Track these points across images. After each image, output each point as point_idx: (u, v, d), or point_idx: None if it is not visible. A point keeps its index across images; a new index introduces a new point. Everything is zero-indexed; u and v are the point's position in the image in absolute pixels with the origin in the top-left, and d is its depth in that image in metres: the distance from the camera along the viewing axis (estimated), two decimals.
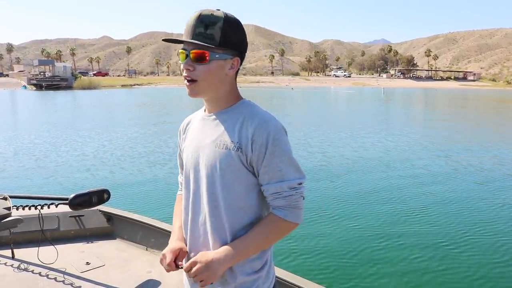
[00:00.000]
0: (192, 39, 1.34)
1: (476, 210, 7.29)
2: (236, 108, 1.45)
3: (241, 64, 1.45)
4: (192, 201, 1.48)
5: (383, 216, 6.90)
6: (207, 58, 1.35)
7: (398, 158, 11.82)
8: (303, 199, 1.43)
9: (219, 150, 1.40)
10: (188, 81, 1.39)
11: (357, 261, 5.28)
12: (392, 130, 18.31)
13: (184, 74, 1.39)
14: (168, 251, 1.46)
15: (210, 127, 1.46)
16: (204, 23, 1.33)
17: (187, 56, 1.36)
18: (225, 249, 1.38)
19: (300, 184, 1.40)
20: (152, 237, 3.21)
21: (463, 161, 11.43)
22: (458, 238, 6.07)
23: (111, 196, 2.89)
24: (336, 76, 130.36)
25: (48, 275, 2.73)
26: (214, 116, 1.46)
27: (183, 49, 1.37)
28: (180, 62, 1.41)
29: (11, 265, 2.85)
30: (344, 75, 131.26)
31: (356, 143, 14.41)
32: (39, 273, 2.74)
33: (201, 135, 1.47)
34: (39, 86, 70.13)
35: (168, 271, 1.46)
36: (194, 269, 1.35)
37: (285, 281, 2.33)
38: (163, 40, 1.47)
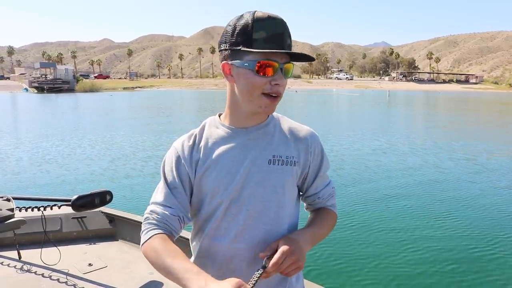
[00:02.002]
0: (287, 49, 1.20)
1: (505, 214, 7.04)
2: (270, 122, 1.34)
3: None
4: (238, 230, 1.28)
5: (404, 220, 6.76)
6: (292, 70, 1.27)
7: (417, 162, 11.39)
8: None
9: (274, 167, 1.28)
10: (274, 97, 1.23)
11: (373, 266, 5.12)
12: (408, 134, 17.88)
13: (271, 89, 1.21)
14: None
15: (253, 142, 1.30)
16: (289, 34, 1.23)
17: (279, 70, 1.20)
18: (306, 231, 1.32)
19: None
20: None
21: (488, 164, 11.13)
22: (485, 243, 5.85)
23: (113, 198, 2.87)
24: (338, 79, 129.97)
25: (51, 276, 2.74)
26: (253, 132, 1.31)
27: (274, 61, 1.19)
28: (255, 74, 1.19)
29: (15, 266, 2.86)
30: (346, 77, 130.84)
31: (372, 146, 13.98)
32: (42, 274, 2.76)
33: (242, 153, 1.29)
34: (40, 89, 69.61)
35: None
36: (289, 258, 1.16)
37: None
38: (287, 52, 1.21)
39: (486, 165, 11.27)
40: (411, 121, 26.07)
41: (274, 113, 1.35)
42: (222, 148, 1.30)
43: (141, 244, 1.27)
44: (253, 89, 1.21)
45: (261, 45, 1.17)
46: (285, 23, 1.21)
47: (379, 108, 37.74)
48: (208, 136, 1.33)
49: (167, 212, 1.27)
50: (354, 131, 18.57)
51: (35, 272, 2.78)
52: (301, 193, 1.44)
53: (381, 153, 12.94)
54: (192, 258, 1.38)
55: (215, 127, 1.35)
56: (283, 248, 1.16)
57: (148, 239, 1.25)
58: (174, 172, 1.31)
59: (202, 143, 1.33)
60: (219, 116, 1.38)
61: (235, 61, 1.22)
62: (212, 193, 1.28)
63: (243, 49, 1.19)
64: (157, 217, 1.27)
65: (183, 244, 2.99)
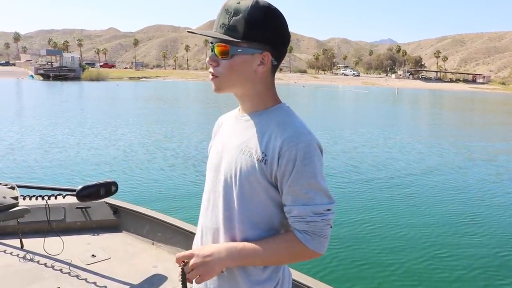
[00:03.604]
0: (215, 31, 1.23)
1: None
2: (271, 112, 1.29)
3: (280, 60, 1.29)
4: (207, 204, 1.36)
5: (413, 222, 6.61)
6: (229, 52, 1.22)
7: (437, 162, 11.03)
8: (330, 227, 1.23)
9: (242, 156, 1.26)
10: (212, 76, 1.27)
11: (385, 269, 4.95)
12: (426, 133, 17.47)
13: (210, 69, 1.28)
14: None
15: (240, 128, 1.32)
16: (229, 13, 1.20)
17: (211, 50, 1.25)
18: (229, 245, 1.25)
19: (328, 210, 1.22)
20: (158, 231, 3.16)
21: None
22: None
23: (118, 189, 2.80)
24: (345, 75, 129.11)
25: (53, 266, 2.71)
26: (246, 117, 1.32)
27: (211, 42, 1.26)
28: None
29: (17, 255, 2.83)
30: (353, 74, 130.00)
31: (390, 147, 13.61)
32: (45, 264, 2.73)
33: (229, 136, 1.35)
34: (46, 76, 69.15)
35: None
36: (190, 262, 1.24)
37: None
38: (188, 31, 1.29)
39: (508, 166, 10.96)
40: (426, 120, 25.66)
41: (285, 104, 1.32)
42: (223, 130, 1.40)
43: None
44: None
45: None
46: (227, 4, 1.21)
47: (391, 106, 37.34)
48: (226, 119, 1.45)
49: None
50: (370, 128, 18.19)
51: (37, 262, 2.75)
52: None
53: (399, 153, 12.62)
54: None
55: (233, 112, 1.43)
56: (187, 252, 1.27)
57: None
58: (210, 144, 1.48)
59: (221, 125, 1.45)
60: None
61: None
62: (207, 172, 1.40)
63: None
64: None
65: (187, 236, 2.91)
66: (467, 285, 4.75)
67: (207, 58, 1.26)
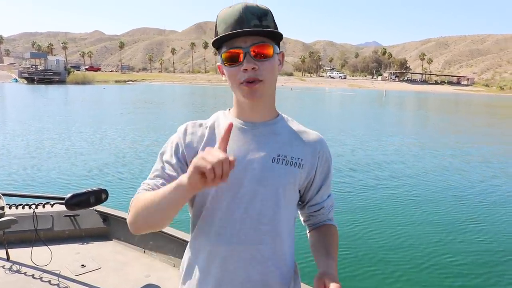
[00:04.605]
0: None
1: None
2: (281, 121, 1.30)
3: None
4: (232, 223, 1.21)
5: (414, 224, 6.56)
6: (272, 50, 1.18)
7: (434, 165, 10.99)
8: None
9: (276, 165, 1.22)
10: (251, 82, 1.16)
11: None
12: (420, 136, 17.47)
13: (245, 77, 1.16)
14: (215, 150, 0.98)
15: (258, 139, 1.24)
16: (256, 15, 1.15)
17: (245, 55, 1.14)
18: (333, 263, 1.24)
19: None
20: (150, 239, 3.05)
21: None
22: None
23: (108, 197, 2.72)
24: (331, 77, 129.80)
25: (41, 277, 2.61)
26: (260, 128, 1.25)
27: (235, 48, 1.15)
28: (227, 67, 1.20)
29: (3, 266, 2.71)
30: (340, 76, 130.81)
31: (385, 148, 13.56)
32: (32, 275, 2.62)
33: (245, 147, 1.22)
34: (30, 80, 68.00)
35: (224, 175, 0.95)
36: None
37: None
38: (213, 42, 1.19)
39: (506, 168, 11.01)
40: (417, 122, 25.78)
41: (284, 115, 1.33)
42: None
43: (128, 213, 1.20)
44: (231, 81, 1.20)
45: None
46: (245, 7, 1.15)
47: (381, 108, 37.46)
48: (215, 126, 1.28)
49: (158, 182, 1.21)
50: (363, 132, 18.15)
51: (24, 273, 2.64)
52: (301, 202, 1.37)
53: (398, 155, 12.56)
54: (188, 259, 1.31)
55: (223, 117, 1.30)
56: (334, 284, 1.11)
57: (132, 201, 1.19)
58: (173, 155, 1.25)
59: (207, 133, 1.27)
60: (229, 110, 1.34)
61: (219, 58, 1.24)
62: (209, 188, 1.14)
63: (214, 46, 1.21)
64: (147, 186, 1.21)
65: (180, 244, 2.83)
66: (465, 284, 4.76)
67: (245, 64, 1.14)
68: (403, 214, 7.04)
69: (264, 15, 1.16)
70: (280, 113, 1.32)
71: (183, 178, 1.01)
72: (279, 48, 1.22)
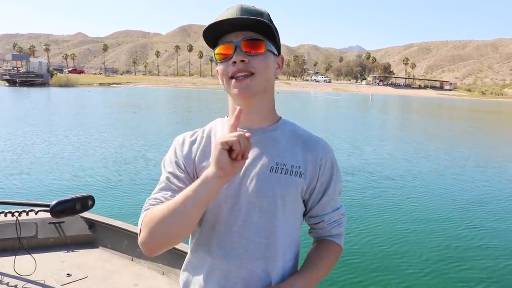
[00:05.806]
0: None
1: None
2: (282, 126, 1.25)
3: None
4: (229, 237, 1.17)
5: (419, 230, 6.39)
6: (264, 46, 1.14)
7: (428, 168, 10.86)
8: None
9: (276, 175, 1.16)
10: (240, 77, 1.13)
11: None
12: (417, 140, 17.44)
13: (233, 69, 1.13)
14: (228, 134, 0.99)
15: (255, 147, 1.18)
16: (251, 14, 1.13)
17: (235, 48, 1.11)
18: (301, 279, 1.18)
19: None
20: (138, 246, 2.50)
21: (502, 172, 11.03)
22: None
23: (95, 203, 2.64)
24: (316, 81, 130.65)
25: (25, 287, 2.54)
26: (258, 134, 1.19)
27: (226, 43, 1.13)
28: (219, 62, 1.17)
29: None
30: (325, 80, 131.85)
31: (380, 154, 13.42)
32: (15, 286, 2.55)
33: None
34: (12, 82, 66.64)
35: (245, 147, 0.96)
36: None
37: None
38: (206, 28, 1.12)
39: (500, 173, 10.94)
40: (416, 128, 25.83)
41: (286, 119, 1.28)
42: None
43: (138, 232, 1.16)
44: (222, 76, 1.17)
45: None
46: (241, 7, 1.13)
47: (369, 112, 37.55)
48: (211, 135, 1.25)
49: (167, 195, 1.17)
50: (361, 136, 18.05)
51: (7, 284, 2.56)
52: (304, 211, 1.30)
53: (392, 160, 12.44)
54: (187, 271, 1.27)
55: (221, 126, 1.26)
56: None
57: (142, 219, 1.15)
58: (175, 167, 1.22)
59: (203, 141, 1.24)
60: (227, 117, 1.30)
61: (215, 60, 1.20)
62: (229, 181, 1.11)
63: (210, 47, 1.19)
64: (154, 201, 1.17)
65: (169, 252, 2.75)
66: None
67: (234, 56, 1.12)
68: (399, 219, 6.93)
69: (259, 15, 1.14)
70: (281, 117, 1.28)
71: (208, 170, 0.99)
72: (277, 50, 1.19)
